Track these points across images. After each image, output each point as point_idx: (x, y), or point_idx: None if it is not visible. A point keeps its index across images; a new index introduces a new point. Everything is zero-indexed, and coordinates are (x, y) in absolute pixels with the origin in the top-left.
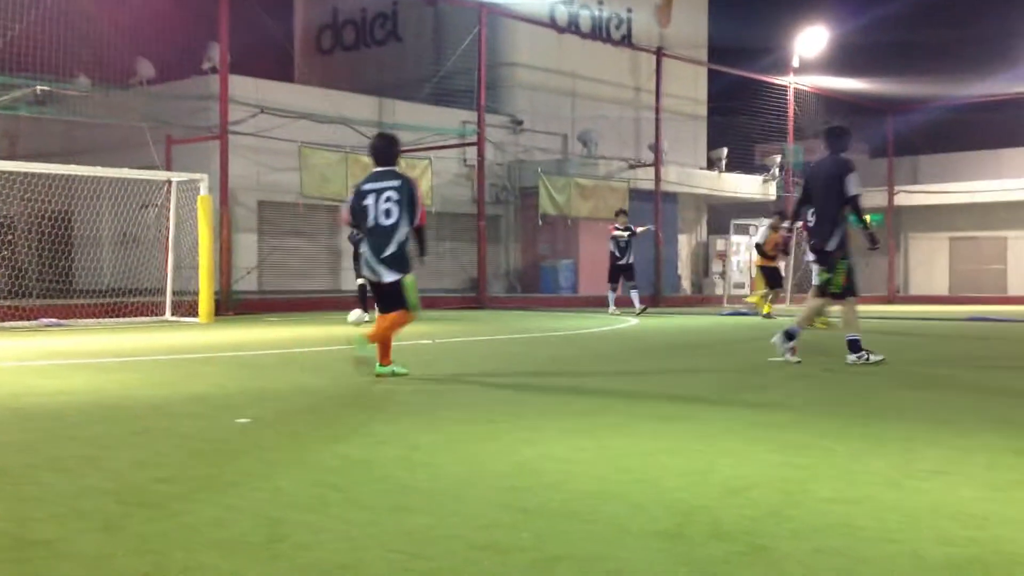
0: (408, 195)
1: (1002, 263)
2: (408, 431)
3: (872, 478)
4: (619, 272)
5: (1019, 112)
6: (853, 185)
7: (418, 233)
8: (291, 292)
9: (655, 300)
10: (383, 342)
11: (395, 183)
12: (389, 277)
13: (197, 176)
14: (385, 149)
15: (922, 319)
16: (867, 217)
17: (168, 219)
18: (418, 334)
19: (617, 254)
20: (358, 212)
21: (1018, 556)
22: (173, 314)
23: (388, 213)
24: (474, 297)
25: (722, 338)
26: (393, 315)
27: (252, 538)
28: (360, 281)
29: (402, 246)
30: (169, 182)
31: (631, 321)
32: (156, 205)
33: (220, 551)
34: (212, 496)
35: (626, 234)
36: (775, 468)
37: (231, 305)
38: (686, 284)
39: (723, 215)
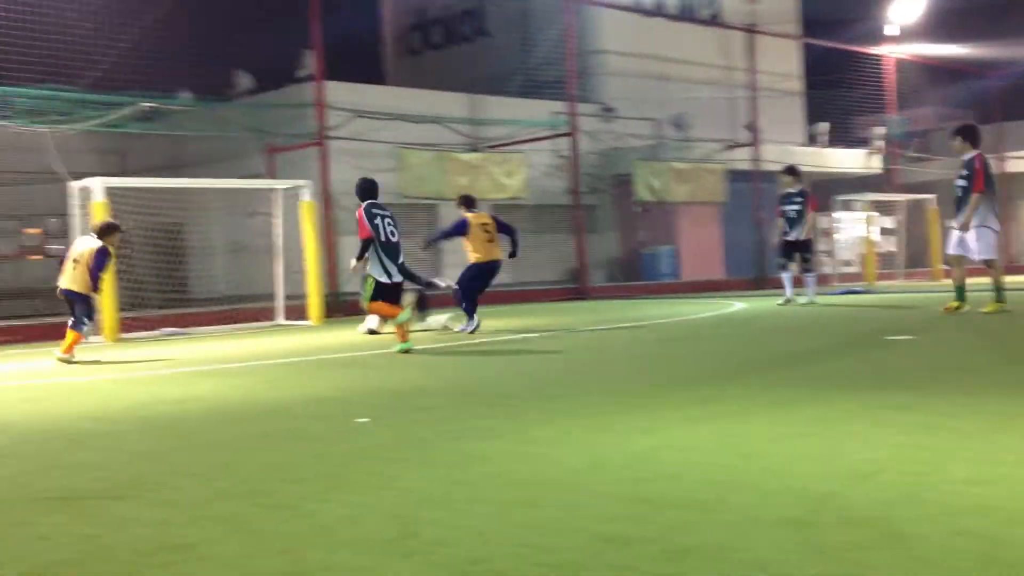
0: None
1: None
2: (522, 425)
3: (1006, 456)
4: (792, 249)
5: None
6: None
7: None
8: None
9: (759, 282)
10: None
11: (389, 212)
12: (398, 278)
13: (301, 183)
14: (370, 189)
15: None
16: None
17: (275, 226)
18: (521, 327)
19: (786, 228)
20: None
21: None
22: (286, 318)
23: (392, 234)
24: (576, 287)
25: (834, 318)
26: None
27: (384, 536)
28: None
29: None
30: (274, 190)
31: (736, 305)
32: (263, 213)
33: (355, 550)
34: (342, 496)
35: (798, 203)
36: (903, 450)
37: (340, 307)
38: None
39: (827, 192)
